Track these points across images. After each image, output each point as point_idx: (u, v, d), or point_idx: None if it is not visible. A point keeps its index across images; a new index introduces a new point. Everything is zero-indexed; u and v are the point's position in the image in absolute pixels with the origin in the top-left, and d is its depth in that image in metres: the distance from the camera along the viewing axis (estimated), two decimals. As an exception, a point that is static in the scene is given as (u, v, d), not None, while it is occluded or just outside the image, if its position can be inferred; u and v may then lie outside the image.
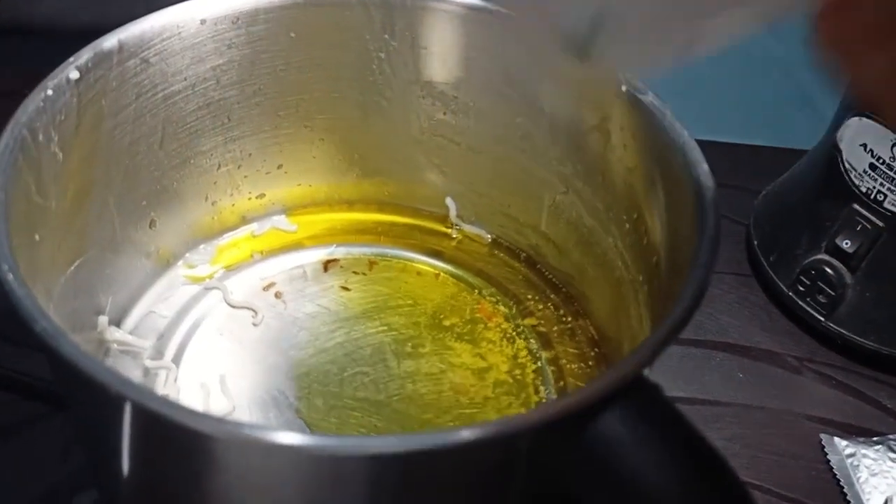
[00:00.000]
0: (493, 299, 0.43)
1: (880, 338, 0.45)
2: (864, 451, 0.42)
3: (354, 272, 0.43)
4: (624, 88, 0.35)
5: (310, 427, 0.36)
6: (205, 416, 0.23)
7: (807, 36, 0.21)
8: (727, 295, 0.51)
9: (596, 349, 0.41)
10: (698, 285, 0.27)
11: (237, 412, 0.37)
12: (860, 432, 0.44)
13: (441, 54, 0.40)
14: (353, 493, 0.26)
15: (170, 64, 0.37)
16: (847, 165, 0.44)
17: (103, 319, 0.38)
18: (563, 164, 0.40)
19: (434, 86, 0.41)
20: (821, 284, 0.46)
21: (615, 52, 0.26)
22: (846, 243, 0.45)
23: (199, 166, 0.41)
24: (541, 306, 0.42)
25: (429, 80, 0.41)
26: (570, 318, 0.42)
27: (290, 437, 0.23)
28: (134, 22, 0.35)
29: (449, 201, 0.45)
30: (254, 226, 0.44)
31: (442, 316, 0.41)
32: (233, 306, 0.41)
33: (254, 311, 0.41)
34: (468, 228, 0.45)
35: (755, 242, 0.51)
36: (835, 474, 0.41)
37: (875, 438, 0.43)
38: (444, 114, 0.42)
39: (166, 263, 0.42)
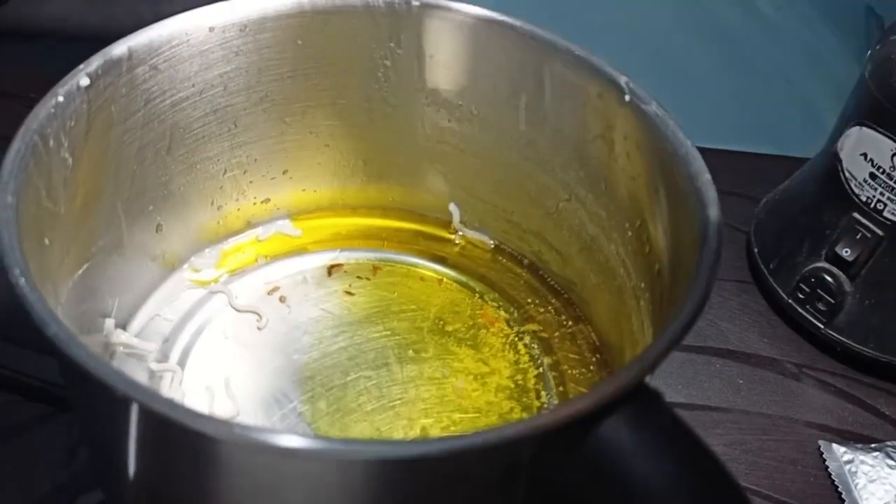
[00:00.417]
0: (496, 305, 0.43)
1: (879, 345, 0.46)
2: (862, 458, 0.42)
3: (358, 277, 0.44)
4: (628, 98, 0.36)
5: (313, 430, 0.37)
6: (211, 419, 0.24)
7: None
8: (727, 302, 0.51)
9: (597, 355, 0.41)
10: (700, 294, 0.27)
11: (242, 415, 0.37)
12: (858, 439, 0.44)
13: (446, 62, 0.41)
14: (356, 497, 0.26)
15: (178, 70, 0.37)
16: (847, 174, 0.45)
17: (109, 322, 0.38)
18: (566, 171, 0.40)
19: (439, 93, 0.42)
20: (820, 292, 0.46)
21: None
22: (846, 251, 0.45)
23: (205, 171, 0.41)
24: (542, 311, 0.43)
25: (434, 87, 0.41)
26: (571, 324, 0.42)
27: (294, 441, 0.23)
28: (143, 29, 0.35)
29: (452, 207, 0.45)
30: (259, 230, 0.45)
31: (444, 321, 0.42)
32: (237, 310, 0.42)
33: (258, 315, 0.41)
34: (471, 234, 0.46)
35: (755, 250, 0.51)
36: (833, 480, 0.42)
37: (873, 445, 0.43)
38: (449, 121, 0.42)
39: (172, 267, 0.42)
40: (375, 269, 0.44)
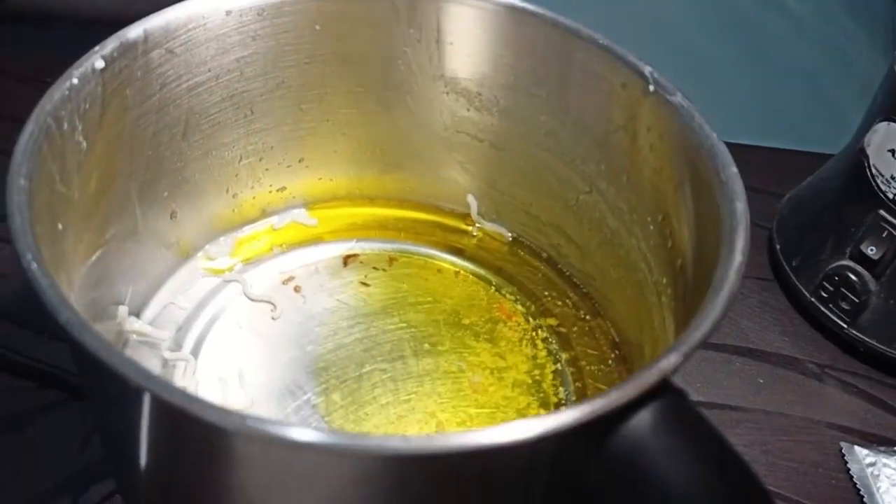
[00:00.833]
0: (513, 298, 0.42)
1: (904, 346, 0.45)
2: (885, 461, 0.41)
3: (374, 268, 0.43)
4: (652, 88, 0.35)
5: (327, 423, 0.36)
6: (225, 411, 0.23)
7: None
8: (748, 299, 0.50)
9: (616, 351, 0.40)
10: (729, 291, 0.27)
11: (255, 406, 0.37)
12: (882, 441, 0.43)
13: (466, 50, 0.40)
14: (370, 492, 0.26)
15: (194, 55, 0.36)
16: (874, 171, 0.44)
17: (123, 310, 0.38)
18: (587, 163, 0.40)
19: (458, 82, 0.41)
20: (844, 291, 0.45)
21: None
22: (871, 249, 0.44)
23: (220, 158, 0.41)
24: (560, 305, 0.42)
25: (453, 75, 0.41)
26: (590, 319, 0.42)
27: (309, 435, 0.23)
28: (159, 12, 0.35)
29: (470, 199, 0.44)
30: (274, 219, 0.44)
31: (461, 314, 0.41)
32: (252, 299, 0.41)
33: (273, 304, 0.41)
34: (489, 226, 0.45)
35: (778, 247, 0.50)
36: (855, 483, 0.41)
37: (897, 448, 0.42)
38: (468, 110, 0.42)
39: (186, 255, 0.41)
40: (392, 260, 0.44)
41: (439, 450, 0.23)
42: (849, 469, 0.41)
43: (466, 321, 0.41)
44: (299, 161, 0.43)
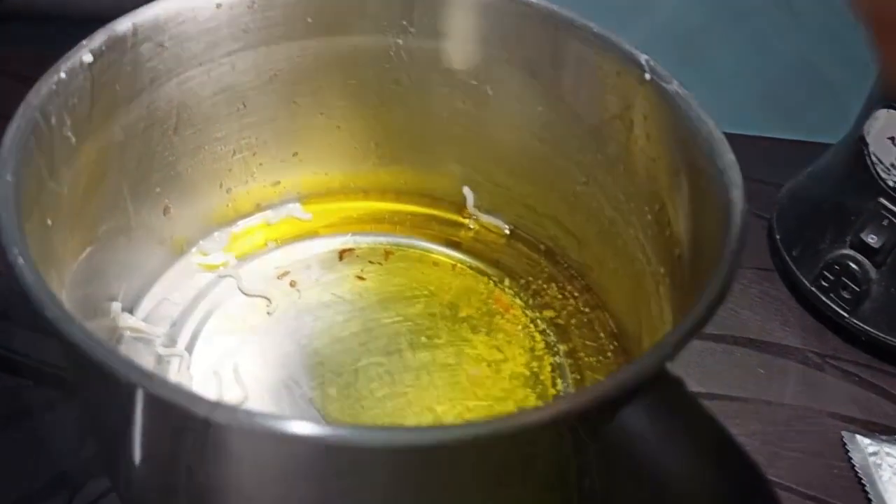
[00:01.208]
0: (511, 290, 0.42)
1: (906, 335, 0.44)
2: (887, 450, 0.41)
3: (370, 262, 0.43)
4: (648, 77, 0.35)
5: (324, 417, 0.36)
6: (217, 405, 0.23)
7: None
8: (748, 289, 0.50)
9: (615, 342, 0.40)
10: (724, 279, 0.26)
11: (250, 401, 0.37)
12: (884, 430, 0.43)
13: (461, 42, 0.40)
14: (366, 485, 0.26)
15: (185, 48, 0.36)
16: (874, 159, 0.43)
17: (116, 306, 0.37)
18: (583, 153, 0.39)
19: (453, 73, 0.41)
20: (845, 280, 0.45)
21: None
22: (872, 238, 0.44)
23: (213, 153, 0.40)
24: (559, 298, 0.42)
25: (448, 67, 0.40)
26: (588, 311, 0.41)
27: (303, 427, 0.23)
28: (148, 5, 0.34)
29: (466, 191, 0.44)
30: (268, 213, 0.44)
31: (458, 307, 0.41)
32: (247, 294, 0.41)
33: (268, 299, 0.41)
34: (486, 219, 0.44)
35: (778, 237, 0.50)
36: (857, 472, 0.40)
37: (899, 437, 0.42)
38: (464, 102, 0.41)
39: (180, 250, 0.41)
40: (388, 253, 0.43)
41: (433, 441, 0.23)
42: (851, 458, 0.41)
43: (463, 314, 0.41)
44: (293, 155, 0.43)
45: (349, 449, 0.23)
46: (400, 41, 0.40)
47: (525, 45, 0.39)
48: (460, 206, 0.45)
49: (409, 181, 0.45)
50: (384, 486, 0.25)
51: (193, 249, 0.42)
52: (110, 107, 0.34)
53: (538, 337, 0.40)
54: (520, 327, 0.40)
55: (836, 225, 0.45)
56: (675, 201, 0.34)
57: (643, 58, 0.35)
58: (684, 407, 0.25)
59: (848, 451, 0.41)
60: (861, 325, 0.45)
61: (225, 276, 0.41)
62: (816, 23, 0.76)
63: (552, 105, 0.39)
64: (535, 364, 0.39)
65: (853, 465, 0.41)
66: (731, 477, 0.24)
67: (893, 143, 0.42)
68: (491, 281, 0.42)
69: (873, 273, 0.44)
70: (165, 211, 0.39)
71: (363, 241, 0.44)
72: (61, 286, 0.31)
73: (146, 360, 0.38)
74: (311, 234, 0.44)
